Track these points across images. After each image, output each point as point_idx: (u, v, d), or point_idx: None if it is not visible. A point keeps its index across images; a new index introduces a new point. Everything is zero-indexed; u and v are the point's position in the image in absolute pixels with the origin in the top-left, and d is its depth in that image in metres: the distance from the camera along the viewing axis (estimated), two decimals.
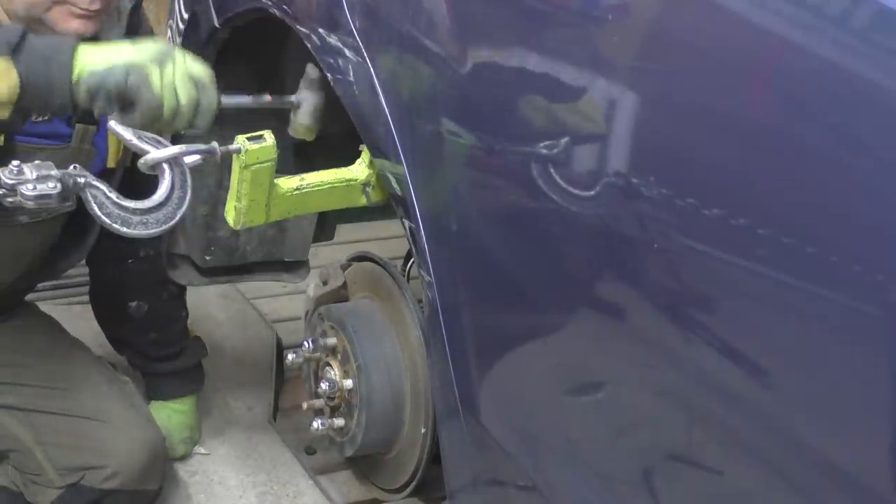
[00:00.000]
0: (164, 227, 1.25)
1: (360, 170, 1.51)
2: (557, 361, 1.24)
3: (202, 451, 2.16)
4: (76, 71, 1.28)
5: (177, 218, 1.26)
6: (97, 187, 1.22)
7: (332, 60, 1.53)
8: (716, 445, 1.04)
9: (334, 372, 1.81)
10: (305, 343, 1.87)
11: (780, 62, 0.94)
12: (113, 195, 1.23)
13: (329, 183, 1.48)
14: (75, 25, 1.49)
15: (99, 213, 1.22)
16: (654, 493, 1.11)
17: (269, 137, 1.34)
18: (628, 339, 1.12)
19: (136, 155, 1.32)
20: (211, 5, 1.89)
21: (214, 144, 1.30)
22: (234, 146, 1.32)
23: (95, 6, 1.49)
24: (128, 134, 1.26)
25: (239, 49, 1.95)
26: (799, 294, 0.92)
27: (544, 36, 1.20)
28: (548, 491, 1.27)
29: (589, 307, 1.18)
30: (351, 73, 1.48)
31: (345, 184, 1.51)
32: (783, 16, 0.95)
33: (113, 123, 1.27)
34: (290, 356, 1.88)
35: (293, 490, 2.11)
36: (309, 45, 1.58)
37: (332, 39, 1.53)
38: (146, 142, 1.26)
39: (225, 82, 2.00)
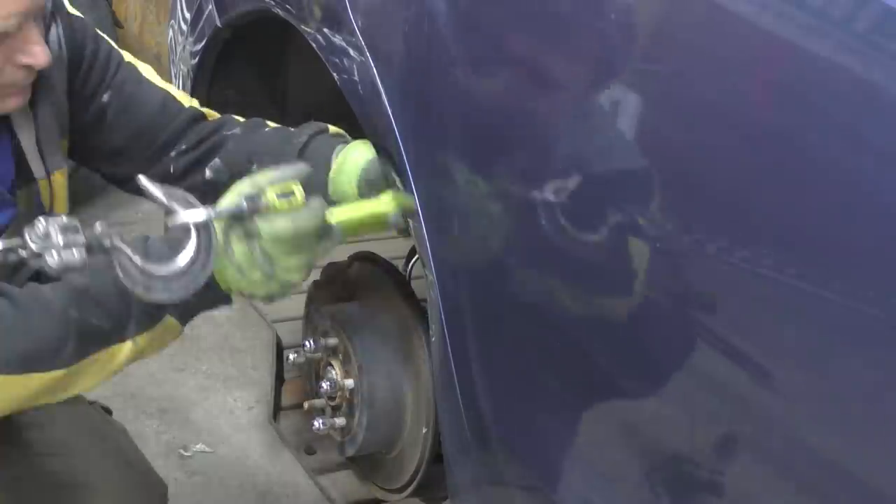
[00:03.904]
0: (188, 293, 1.23)
1: (388, 203, 1.49)
2: (560, 360, 1.24)
3: (205, 448, 2.15)
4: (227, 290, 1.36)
5: (200, 282, 1.23)
6: (122, 251, 1.19)
7: (336, 60, 1.53)
8: (720, 446, 1.05)
9: (335, 372, 1.81)
10: (306, 343, 1.87)
11: (785, 63, 0.95)
12: (137, 259, 1.20)
13: (359, 219, 1.47)
14: (14, 103, 1.41)
15: (122, 276, 1.20)
16: (658, 493, 1.11)
17: (298, 193, 1.32)
18: (632, 339, 1.12)
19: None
20: (213, 5, 1.90)
21: (243, 204, 1.28)
22: (262, 202, 1.29)
23: (31, 79, 1.41)
24: (157, 192, 1.23)
25: (241, 49, 1.96)
26: (802, 296, 0.93)
27: (545, 33, 1.20)
28: (551, 490, 1.27)
29: (591, 307, 1.18)
30: (355, 73, 1.48)
31: (374, 219, 1.50)
32: (787, 17, 0.95)
33: (143, 179, 1.24)
34: (291, 356, 1.88)
35: (293, 490, 2.11)
36: (314, 46, 1.59)
37: (337, 39, 1.53)
38: (176, 201, 1.24)
39: (226, 82, 2.02)
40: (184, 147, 1.61)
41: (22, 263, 1.16)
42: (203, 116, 1.64)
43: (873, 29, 0.88)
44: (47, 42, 1.46)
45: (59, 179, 1.53)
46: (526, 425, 1.31)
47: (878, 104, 0.87)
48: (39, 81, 1.46)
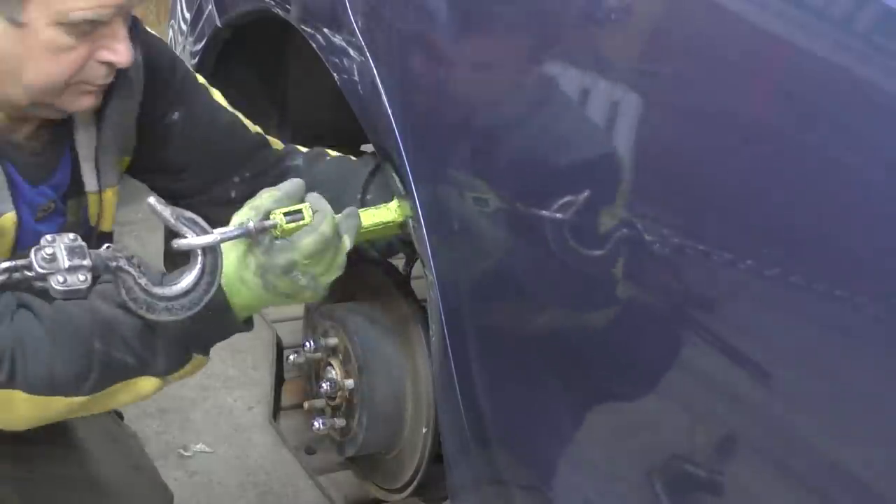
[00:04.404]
0: (189, 312, 1.23)
1: (396, 211, 1.50)
2: (559, 360, 1.24)
3: (205, 448, 2.15)
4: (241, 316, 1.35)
5: (202, 304, 1.23)
6: (128, 272, 1.19)
7: (336, 60, 1.53)
8: (720, 446, 1.05)
9: (335, 372, 1.81)
10: (306, 343, 1.87)
11: (784, 63, 0.95)
12: (142, 281, 1.20)
13: (365, 227, 1.48)
14: (87, 102, 1.40)
15: (125, 297, 1.20)
16: (658, 493, 1.11)
17: (307, 214, 1.31)
18: (631, 340, 1.12)
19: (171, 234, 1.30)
20: (213, 5, 1.90)
21: (250, 225, 1.28)
22: (269, 222, 1.29)
23: (109, 79, 1.39)
24: (166, 213, 1.22)
25: (241, 49, 1.96)
26: (802, 295, 0.93)
27: (545, 33, 1.20)
28: (551, 490, 1.27)
29: (592, 308, 1.18)
30: (355, 73, 1.49)
31: (381, 227, 1.51)
32: (787, 17, 0.95)
33: (153, 200, 1.24)
34: (291, 356, 1.88)
35: (293, 490, 2.11)
36: (314, 46, 1.59)
37: (337, 39, 1.53)
38: (184, 223, 1.23)
39: (226, 82, 2.02)
40: (247, 174, 1.62)
41: (27, 283, 1.16)
42: (267, 143, 1.66)
43: (873, 29, 0.88)
44: None
45: (110, 197, 1.53)
46: (526, 425, 1.31)
47: (878, 104, 0.87)
48: (112, 97, 1.46)
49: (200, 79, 1.63)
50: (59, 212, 1.49)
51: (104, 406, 1.34)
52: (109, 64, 1.36)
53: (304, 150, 1.66)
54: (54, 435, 1.67)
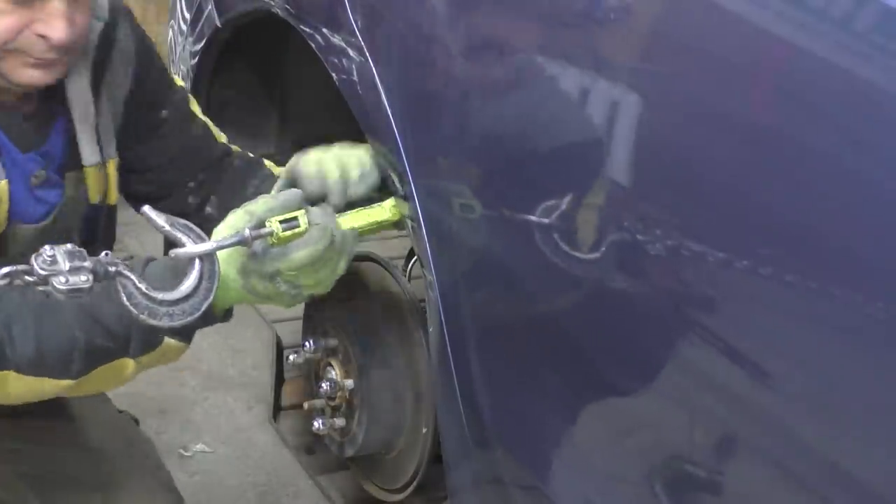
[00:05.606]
0: (190, 318, 1.23)
1: (391, 211, 1.50)
2: (559, 360, 1.24)
3: (205, 448, 2.15)
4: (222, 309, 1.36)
5: (203, 308, 1.24)
6: (128, 277, 1.20)
7: (336, 60, 1.53)
8: (719, 447, 1.05)
9: (335, 372, 1.81)
10: (306, 343, 1.87)
11: (784, 63, 0.95)
12: (142, 286, 1.20)
13: (360, 228, 1.48)
14: (33, 75, 1.38)
15: (127, 302, 1.20)
16: (657, 493, 1.11)
17: (302, 221, 1.31)
18: (630, 339, 1.12)
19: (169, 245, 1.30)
20: (213, 5, 1.90)
21: (247, 233, 1.27)
22: (265, 230, 1.29)
23: (51, 55, 1.36)
24: (160, 220, 1.23)
25: (241, 49, 1.96)
26: (802, 295, 0.93)
27: (545, 33, 1.20)
28: (550, 490, 1.27)
29: (591, 308, 1.18)
30: (354, 73, 1.49)
31: (376, 226, 1.51)
32: (787, 17, 0.95)
33: (147, 208, 1.25)
34: (291, 356, 1.88)
35: (293, 490, 2.11)
36: (313, 45, 1.59)
37: (336, 39, 1.53)
38: (179, 230, 1.24)
39: (226, 82, 2.02)
40: (202, 178, 1.63)
41: (28, 288, 1.16)
42: (230, 153, 1.68)
43: (873, 29, 0.88)
44: (114, 38, 1.49)
45: (113, 169, 1.54)
46: (525, 425, 1.31)
47: (878, 104, 0.87)
48: (107, 70, 1.47)
49: (179, 80, 1.65)
50: (56, 183, 1.49)
51: (91, 389, 1.37)
52: (46, 38, 1.35)
53: (250, 156, 1.69)
54: (71, 436, 1.70)
